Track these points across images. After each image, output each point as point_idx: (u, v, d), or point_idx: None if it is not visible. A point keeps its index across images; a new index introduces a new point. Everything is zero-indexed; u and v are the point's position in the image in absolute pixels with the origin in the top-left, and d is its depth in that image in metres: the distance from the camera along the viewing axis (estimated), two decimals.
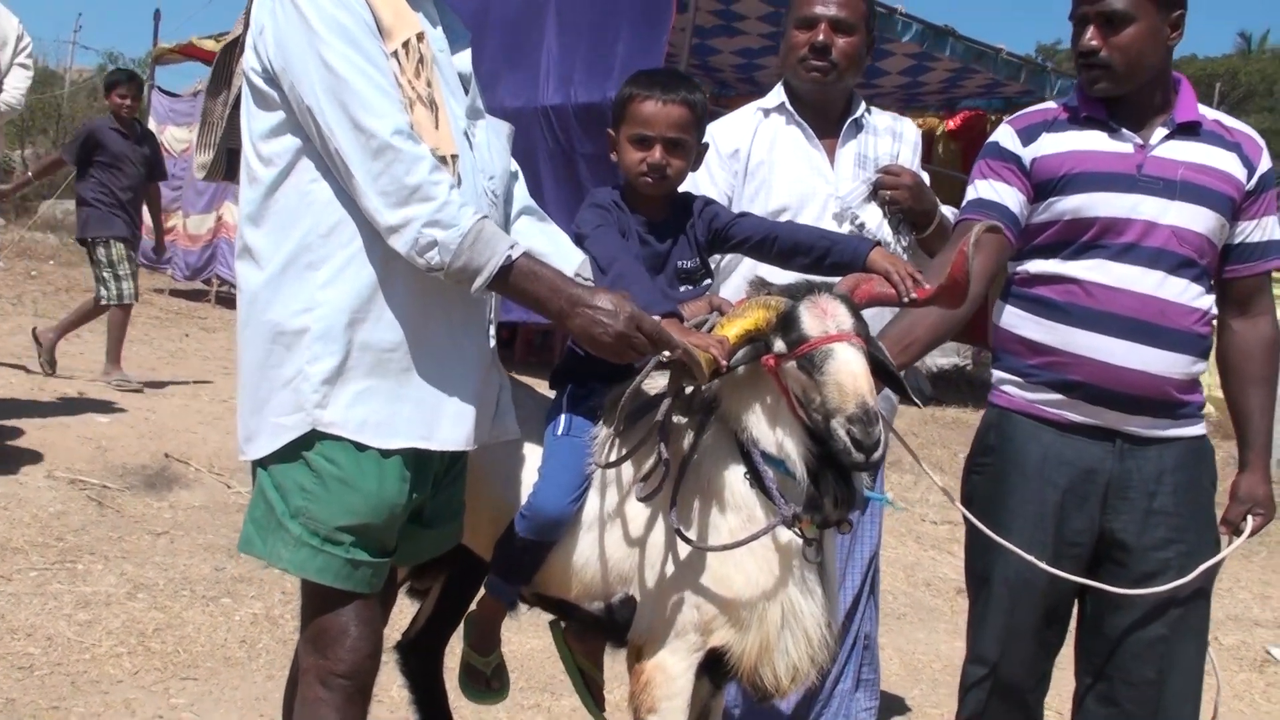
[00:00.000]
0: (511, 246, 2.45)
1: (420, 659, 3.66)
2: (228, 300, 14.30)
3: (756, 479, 2.85)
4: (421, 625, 3.65)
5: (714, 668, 3.07)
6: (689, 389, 2.87)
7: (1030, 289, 3.32)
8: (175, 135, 16.57)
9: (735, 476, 2.89)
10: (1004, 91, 13.30)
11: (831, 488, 2.78)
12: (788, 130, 3.83)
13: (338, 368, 2.52)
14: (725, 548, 2.84)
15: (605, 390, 3.08)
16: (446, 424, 2.64)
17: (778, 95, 3.87)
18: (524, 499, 3.05)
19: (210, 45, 15.52)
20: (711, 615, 2.89)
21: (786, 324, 2.73)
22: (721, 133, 3.81)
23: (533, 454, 3.14)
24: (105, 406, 8.04)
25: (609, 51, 11.18)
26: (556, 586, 3.12)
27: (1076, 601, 3.38)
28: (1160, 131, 3.21)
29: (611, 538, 3.02)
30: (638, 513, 2.99)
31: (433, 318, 2.61)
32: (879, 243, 3.05)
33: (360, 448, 2.54)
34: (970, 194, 3.38)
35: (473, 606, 3.40)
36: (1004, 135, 3.36)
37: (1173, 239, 3.14)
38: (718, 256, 3.56)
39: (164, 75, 17.40)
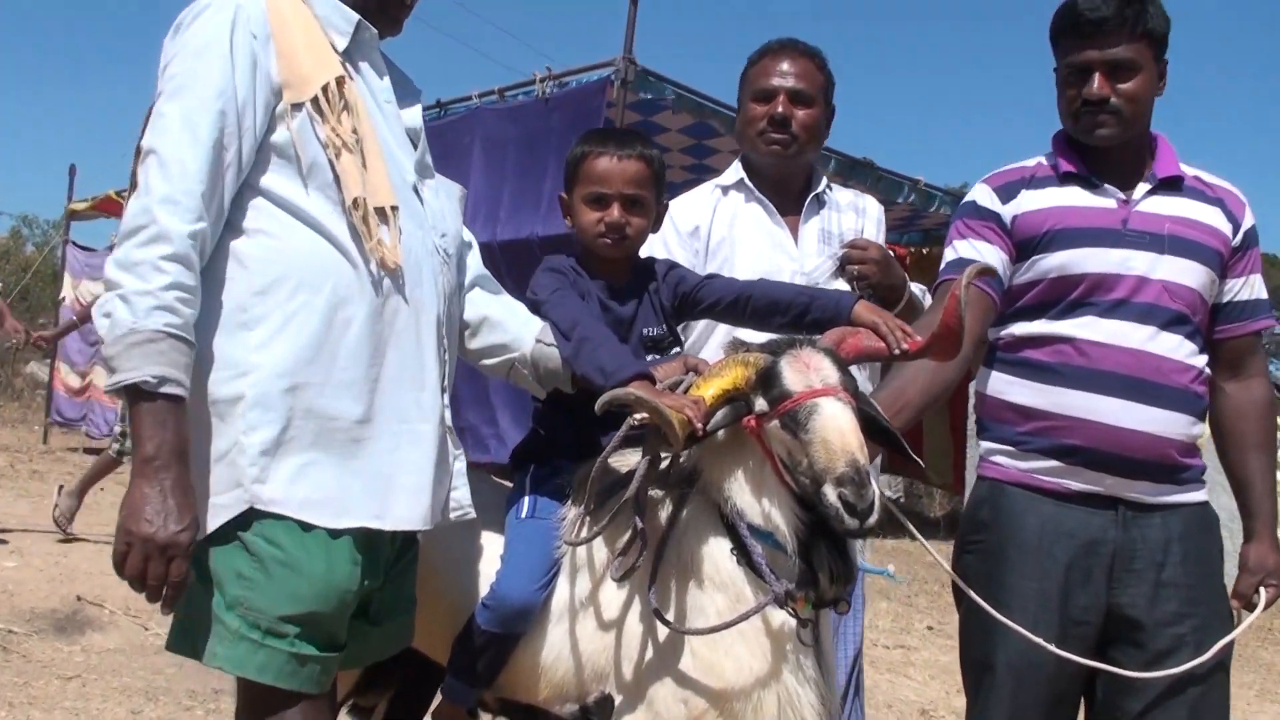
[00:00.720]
0: (164, 381, 2.12)
1: None
2: None
3: (744, 554, 2.58)
4: None
5: None
6: (665, 457, 2.59)
7: (1017, 353, 3.13)
8: (89, 289, 16.19)
9: (720, 552, 2.61)
10: (923, 224, 13.36)
11: (826, 561, 2.52)
12: (748, 207, 3.64)
13: (277, 438, 2.25)
14: (712, 630, 2.55)
15: (572, 468, 2.82)
16: (401, 502, 2.38)
17: (735, 172, 3.68)
18: (484, 591, 2.75)
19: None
20: (701, 710, 2.58)
21: (767, 381, 2.50)
22: (680, 211, 3.60)
23: (492, 543, 2.87)
24: (12, 554, 7.60)
25: (536, 188, 11.07)
26: (523, 689, 2.80)
27: (1085, 686, 3.10)
28: (1143, 187, 3.09)
29: (584, 629, 2.72)
30: (612, 599, 2.71)
31: (384, 384, 2.36)
32: (862, 296, 2.82)
33: (305, 527, 2.26)
34: (949, 255, 3.22)
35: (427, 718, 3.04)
36: (981, 194, 3.21)
37: (1164, 294, 3.00)
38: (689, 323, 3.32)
39: (80, 230, 17.07)
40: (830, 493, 2.31)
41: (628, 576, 2.59)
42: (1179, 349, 3.00)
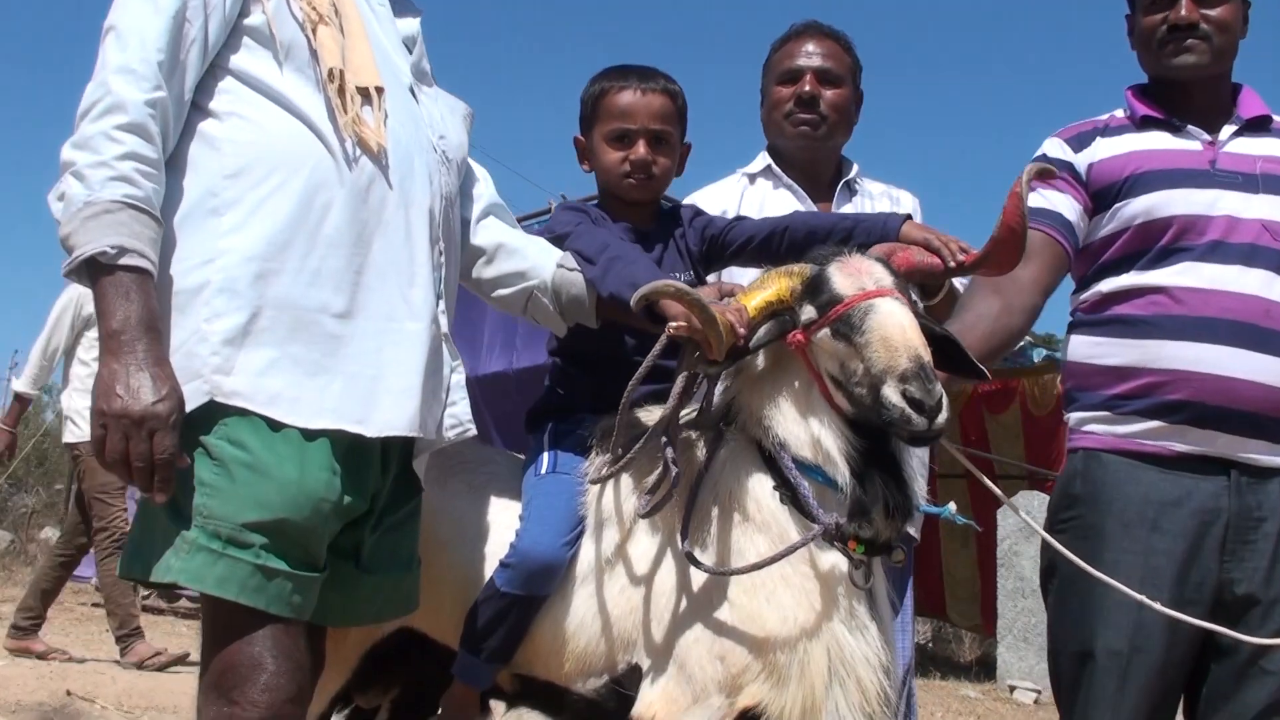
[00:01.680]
0: (125, 252, 1.93)
1: None
2: (155, 610, 13.41)
3: (788, 491, 2.34)
4: None
5: None
6: (702, 379, 2.36)
7: (1105, 310, 2.85)
8: None
9: (762, 489, 2.39)
10: None
11: (881, 494, 2.28)
12: (776, 194, 3.45)
13: (243, 326, 2.02)
14: (751, 568, 2.31)
15: (593, 421, 2.58)
16: (386, 405, 2.14)
17: (762, 160, 3.51)
18: (498, 561, 2.51)
19: None
20: (741, 666, 2.32)
21: (815, 287, 2.32)
22: (705, 201, 3.42)
23: (507, 512, 2.63)
24: (2, 651, 7.26)
25: None
26: (543, 663, 2.55)
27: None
28: (1229, 128, 2.87)
29: (611, 589, 2.48)
30: (642, 553, 2.48)
31: (369, 276, 2.15)
32: (909, 216, 2.61)
33: (275, 426, 2.02)
34: None
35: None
36: (1051, 146, 2.98)
37: (1264, 233, 2.73)
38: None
39: None
40: (893, 393, 2.12)
41: (655, 512, 2.35)
42: None
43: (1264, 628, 2.63)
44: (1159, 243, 2.77)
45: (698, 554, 2.35)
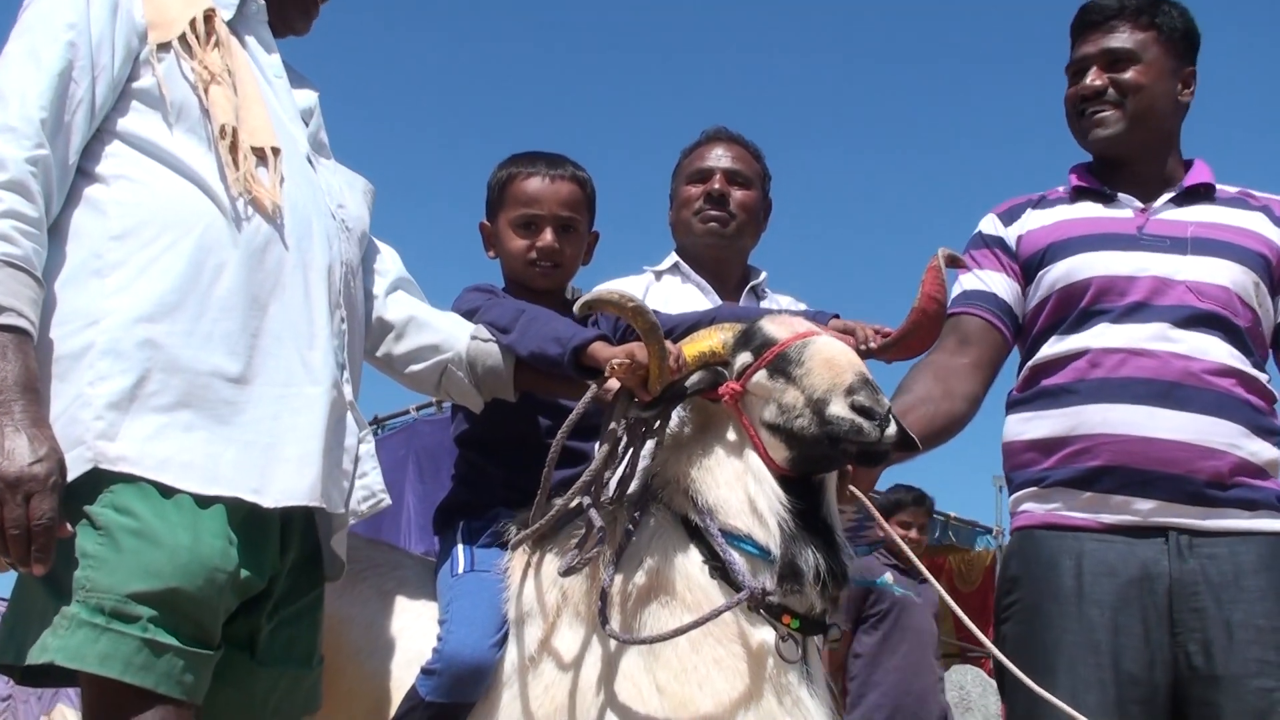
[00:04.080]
0: (3, 311, 1.82)
1: None
2: None
3: (717, 565, 2.23)
4: None
5: None
6: (626, 440, 2.30)
7: (1034, 385, 2.78)
8: None
9: (691, 564, 2.29)
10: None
11: (813, 560, 2.20)
12: (684, 289, 3.41)
13: (129, 390, 1.90)
14: (672, 634, 2.19)
15: (508, 515, 2.50)
16: (282, 474, 2.01)
17: (670, 259, 3.48)
18: (417, 669, 2.37)
19: None
20: None
21: (748, 337, 2.31)
22: None
23: (421, 617, 2.50)
24: None
25: None
26: None
27: None
28: (1165, 197, 2.83)
29: (535, 690, 2.35)
30: (567, 647, 2.37)
31: (265, 340, 2.04)
32: (835, 315, 2.59)
33: (165, 492, 1.88)
34: (955, 290, 2.91)
35: None
36: (986, 223, 2.97)
37: (1189, 295, 2.66)
38: None
39: None
40: (840, 408, 2.11)
41: (577, 570, 2.24)
42: (1212, 350, 2.63)
43: (1230, 707, 2.46)
44: (1079, 306, 2.72)
45: (615, 627, 2.23)
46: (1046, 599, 2.61)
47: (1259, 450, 2.61)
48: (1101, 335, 2.68)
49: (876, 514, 2.52)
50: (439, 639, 2.35)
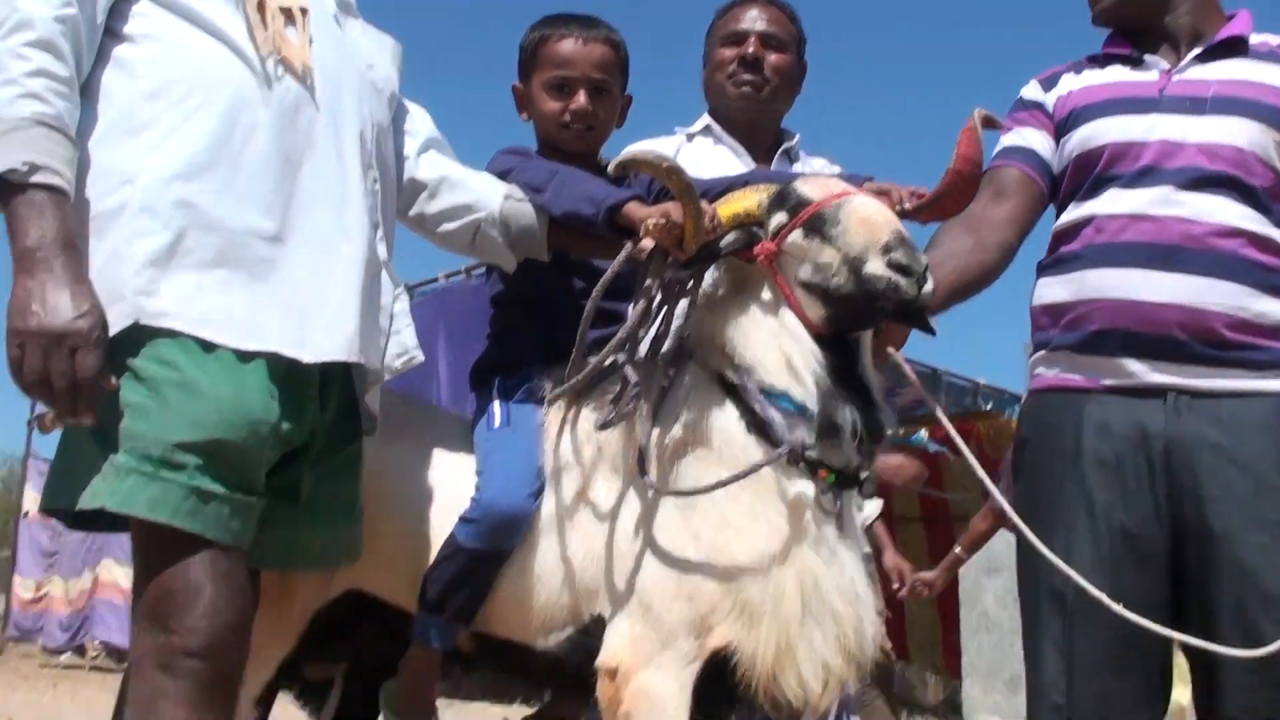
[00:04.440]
0: (37, 169, 1.81)
1: None
2: (105, 669, 13.07)
3: (754, 420, 2.25)
4: None
5: (712, 711, 2.35)
6: (661, 299, 2.30)
7: (1054, 252, 2.77)
8: None
9: (727, 420, 2.31)
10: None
11: (849, 417, 2.20)
12: (716, 151, 3.36)
13: (167, 248, 1.91)
14: (711, 488, 2.23)
15: (544, 372, 2.50)
16: (321, 330, 2.04)
17: (702, 121, 3.43)
18: (455, 519, 2.41)
19: None
20: (710, 605, 2.22)
21: (783, 197, 2.29)
22: None
23: (458, 470, 2.52)
24: None
25: None
26: (503, 622, 2.45)
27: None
28: (1192, 54, 2.75)
29: (572, 540, 2.39)
30: (603, 498, 2.40)
31: (300, 199, 2.05)
32: (870, 178, 2.56)
33: (206, 347, 1.91)
34: (994, 150, 2.87)
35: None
36: (1027, 89, 2.91)
37: (1200, 156, 2.61)
38: None
39: (44, 443, 16.73)
40: (877, 265, 2.13)
41: (615, 424, 2.27)
42: (1219, 211, 2.58)
43: (1228, 566, 2.46)
44: (1093, 172, 2.68)
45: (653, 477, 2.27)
46: (1048, 459, 2.65)
47: (1268, 310, 2.56)
48: (1109, 201, 2.65)
49: (911, 374, 2.54)
50: (476, 489, 2.40)
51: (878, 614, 2.29)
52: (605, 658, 2.27)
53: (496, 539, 2.35)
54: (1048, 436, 2.67)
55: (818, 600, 2.20)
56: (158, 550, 1.87)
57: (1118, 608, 2.36)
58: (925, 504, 13.42)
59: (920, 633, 13.46)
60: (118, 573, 14.19)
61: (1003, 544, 10.91)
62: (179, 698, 1.81)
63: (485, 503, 2.36)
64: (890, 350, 2.41)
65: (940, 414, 2.70)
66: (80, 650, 14.91)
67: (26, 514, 16.16)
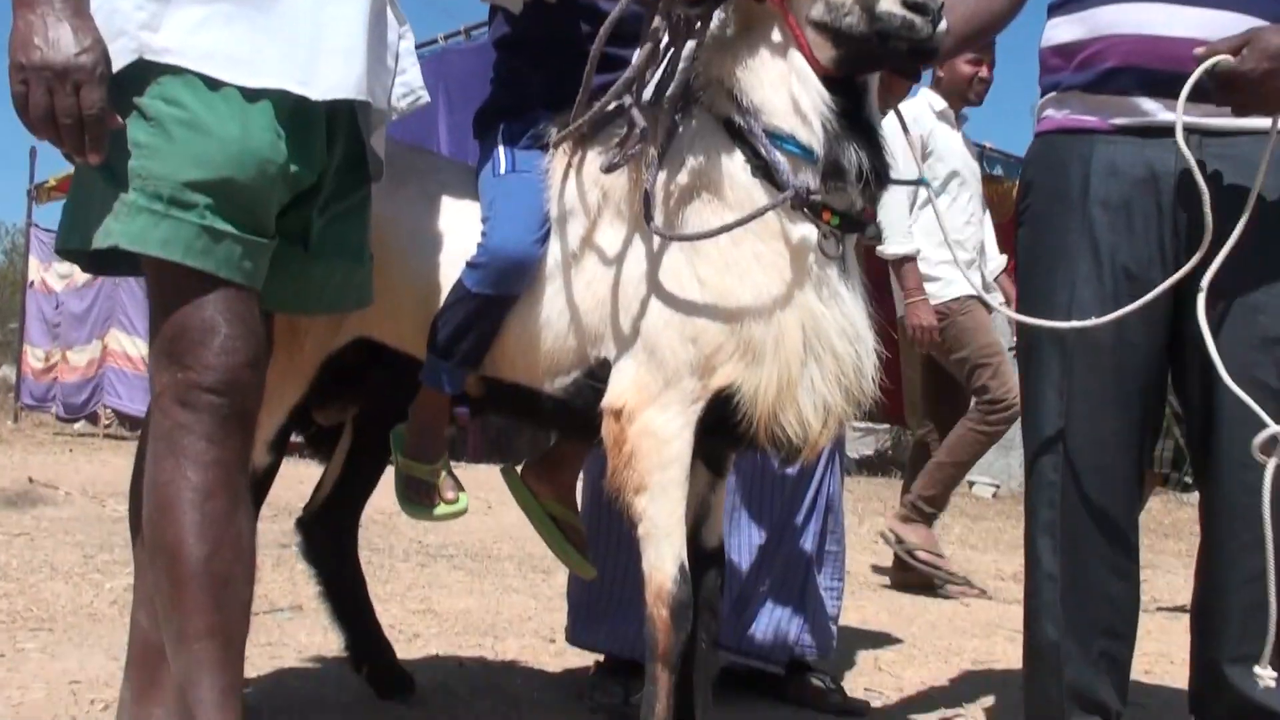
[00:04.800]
0: None
1: (329, 535, 2.94)
2: (118, 437, 13.33)
3: (759, 164, 2.24)
4: (329, 491, 2.93)
5: (714, 450, 2.42)
6: (668, 41, 2.27)
7: None
8: (58, 271, 15.83)
9: (733, 164, 2.30)
10: None
11: (855, 159, 2.20)
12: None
13: None
14: (715, 232, 2.23)
15: (549, 117, 2.47)
16: (328, 67, 1.99)
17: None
18: (462, 266, 2.43)
19: None
20: (714, 346, 2.25)
21: None
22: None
23: (464, 216, 2.53)
24: None
25: None
26: (511, 365, 2.49)
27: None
28: None
29: (579, 284, 2.41)
30: (609, 243, 2.41)
31: None
32: None
33: (212, 85, 1.88)
34: None
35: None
36: None
37: None
38: None
39: (43, 213, 16.63)
40: (892, 3, 2.11)
41: (620, 166, 2.27)
42: None
43: (1234, 297, 2.47)
44: None
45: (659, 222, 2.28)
46: (1054, 202, 2.63)
47: None
48: None
49: (912, 133, 2.51)
50: (483, 234, 2.41)
51: (878, 355, 2.32)
52: (610, 399, 2.33)
53: (503, 283, 2.38)
54: (1054, 178, 2.63)
55: (818, 340, 2.24)
56: (171, 290, 1.89)
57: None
58: None
59: (914, 393, 13.70)
60: (125, 342, 14.35)
61: (999, 305, 11.03)
62: (198, 430, 1.85)
63: (492, 248, 2.38)
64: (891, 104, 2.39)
65: (927, 186, 2.68)
66: (93, 419, 15.17)
67: (32, 284, 16.24)
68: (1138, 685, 3.45)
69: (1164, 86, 2.47)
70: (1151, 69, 2.49)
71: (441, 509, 2.58)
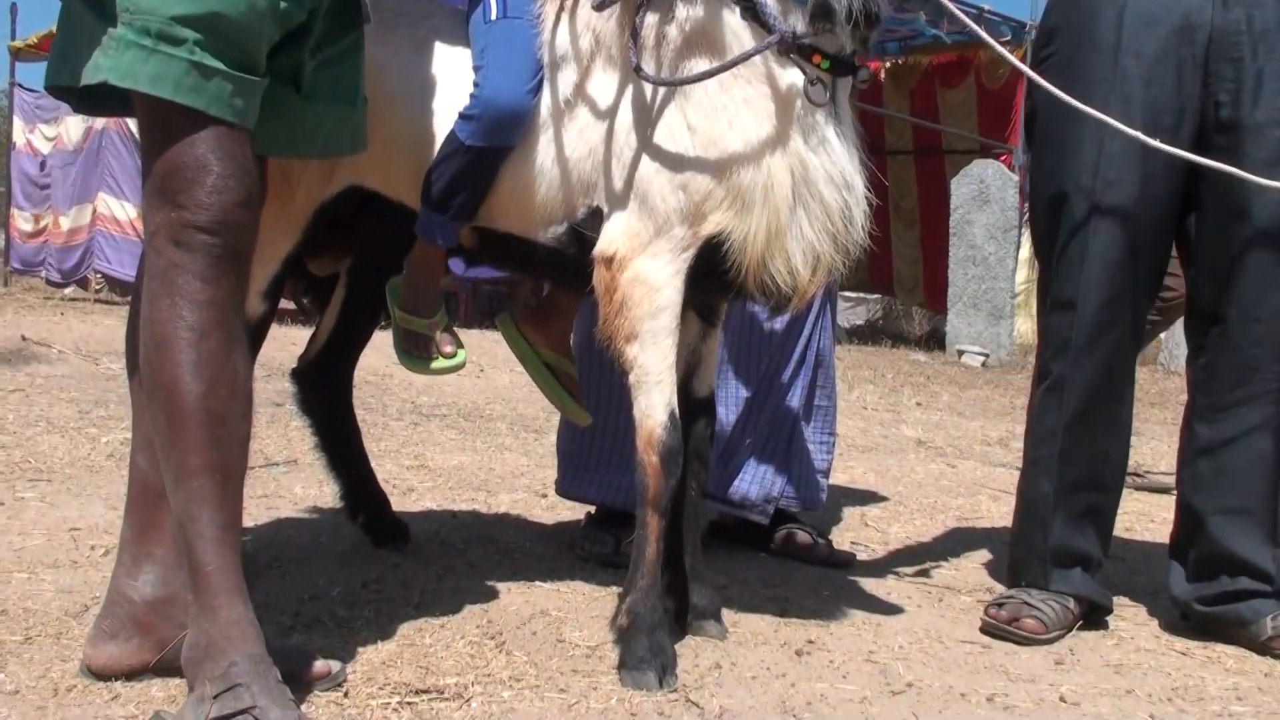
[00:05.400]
0: None
1: (324, 386, 2.96)
2: (108, 302, 13.28)
3: (748, 6, 2.23)
4: (323, 342, 2.93)
5: (705, 299, 2.43)
6: None
7: None
8: (44, 133, 15.63)
9: (722, 6, 2.28)
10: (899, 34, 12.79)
11: (845, 0, 2.16)
12: None
13: None
14: (700, 77, 2.23)
15: None
16: None
17: None
18: (454, 115, 2.41)
19: None
20: (704, 194, 2.25)
21: None
22: None
23: (454, 63, 2.51)
24: None
25: None
26: (504, 215, 2.49)
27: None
28: None
29: (570, 134, 2.39)
30: (601, 92, 2.40)
31: None
32: None
33: None
34: None
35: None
36: None
37: None
38: None
39: (26, 72, 16.39)
40: None
41: (607, 5, 2.25)
42: None
43: (1251, 154, 2.53)
44: None
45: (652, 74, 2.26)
46: (1085, 49, 2.62)
47: None
48: None
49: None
50: (475, 85, 2.39)
51: (869, 202, 2.32)
52: (602, 247, 2.33)
53: (498, 135, 2.37)
54: (1084, 27, 2.63)
55: (806, 188, 2.24)
56: (162, 128, 1.87)
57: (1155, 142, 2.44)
58: (918, 135, 13.43)
59: (905, 270, 13.75)
60: (113, 205, 14.23)
61: (993, 173, 10.99)
62: (193, 269, 1.85)
63: (485, 99, 2.36)
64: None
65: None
66: (83, 284, 15.13)
67: (15, 146, 16.04)
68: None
69: None
70: None
71: (439, 363, 2.60)
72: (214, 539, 1.84)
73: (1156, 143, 2.43)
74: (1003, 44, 9.74)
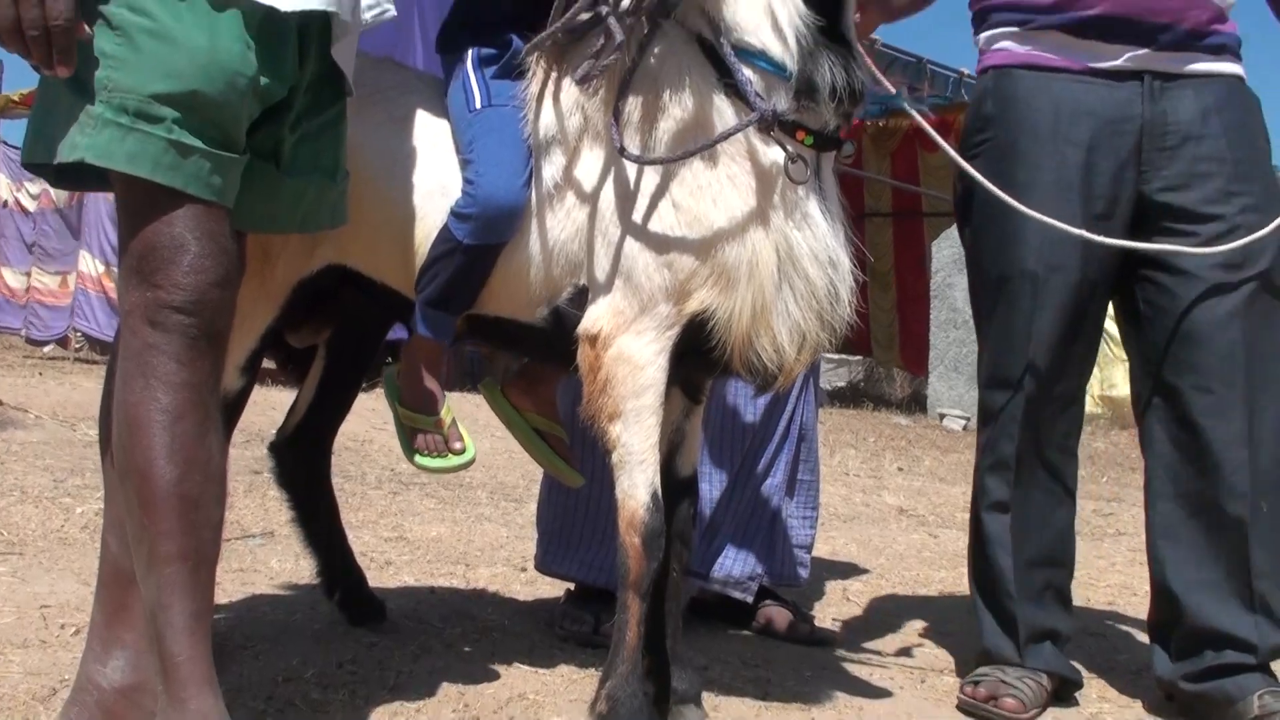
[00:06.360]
0: None
1: (302, 460, 2.93)
2: (89, 361, 13.21)
3: (731, 83, 2.22)
4: (301, 415, 2.90)
5: (690, 377, 2.42)
6: None
7: None
8: (29, 190, 15.62)
9: (705, 83, 2.27)
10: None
11: (829, 76, 2.18)
12: None
13: None
14: (682, 156, 2.22)
15: (524, 38, 2.43)
16: None
17: None
18: (438, 199, 2.41)
19: None
20: (689, 271, 2.24)
21: None
22: None
23: (436, 140, 2.50)
24: None
25: None
26: (494, 302, 2.48)
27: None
28: None
29: (557, 215, 2.38)
30: (586, 172, 2.39)
31: None
32: None
33: None
34: None
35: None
36: None
37: None
38: None
39: (10, 129, 16.37)
40: None
41: (594, 78, 2.23)
42: None
43: (1190, 236, 2.61)
44: None
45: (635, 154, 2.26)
46: (1023, 137, 2.68)
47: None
48: None
49: (869, 60, 2.49)
50: (468, 181, 2.37)
51: (854, 279, 2.31)
52: (586, 325, 2.31)
53: (495, 233, 2.35)
54: (1021, 115, 2.69)
55: (792, 266, 2.23)
56: (139, 206, 1.85)
57: (1079, 232, 2.54)
58: (897, 198, 13.49)
59: (880, 334, 13.78)
60: (93, 265, 14.20)
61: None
62: (168, 350, 1.82)
63: (481, 197, 2.34)
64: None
65: (907, 104, 2.68)
66: (63, 343, 15.06)
67: (5, 204, 16.02)
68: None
69: (1144, 34, 2.61)
70: (1135, 19, 2.59)
71: (451, 460, 2.56)
72: (185, 629, 1.80)
73: (1099, 237, 2.55)
74: (958, 105, 9.88)
